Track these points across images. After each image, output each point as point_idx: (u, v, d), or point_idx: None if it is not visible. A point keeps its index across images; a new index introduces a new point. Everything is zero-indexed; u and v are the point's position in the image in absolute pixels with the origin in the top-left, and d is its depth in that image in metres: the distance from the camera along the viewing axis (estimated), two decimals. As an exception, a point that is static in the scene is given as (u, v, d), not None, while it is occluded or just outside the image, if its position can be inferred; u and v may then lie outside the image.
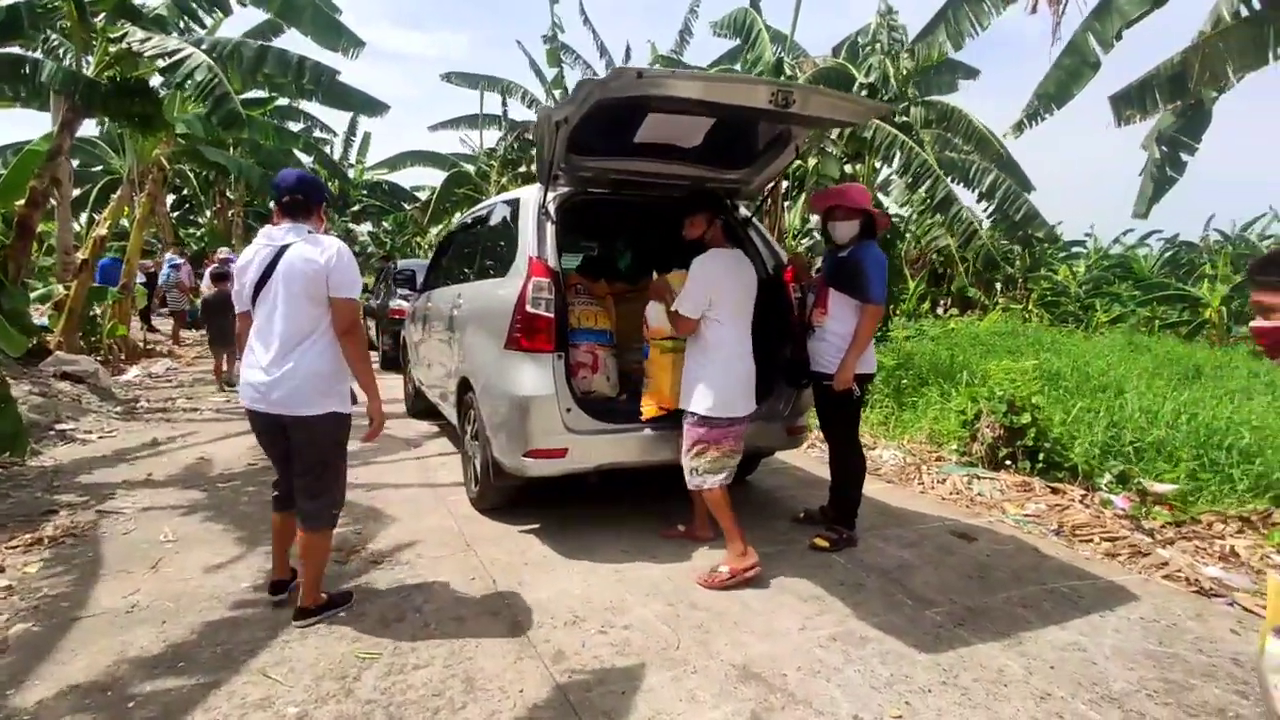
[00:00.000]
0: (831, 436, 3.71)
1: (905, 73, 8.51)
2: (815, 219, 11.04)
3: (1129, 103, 5.69)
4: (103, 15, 6.96)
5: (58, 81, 6.69)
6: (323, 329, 2.62)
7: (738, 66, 11.27)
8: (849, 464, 3.64)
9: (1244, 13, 5.03)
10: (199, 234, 22.89)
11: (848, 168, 9.83)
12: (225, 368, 8.19)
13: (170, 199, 19.33)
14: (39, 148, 6.96)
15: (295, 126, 16.16)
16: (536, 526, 3.80)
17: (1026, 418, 4.98)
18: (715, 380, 3.07)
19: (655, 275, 3.45)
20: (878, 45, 9.22)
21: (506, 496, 3.95)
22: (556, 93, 17.52)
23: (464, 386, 4.09)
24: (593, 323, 3.89)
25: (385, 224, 27.78)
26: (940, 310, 15.73)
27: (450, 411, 4.66)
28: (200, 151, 10.42)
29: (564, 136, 3.23)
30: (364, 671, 2.41)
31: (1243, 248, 19.49)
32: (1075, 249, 22.22)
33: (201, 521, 3.89)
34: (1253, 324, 1.61)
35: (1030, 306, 16.83)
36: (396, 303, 8.96)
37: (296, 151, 13.40)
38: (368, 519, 3.97)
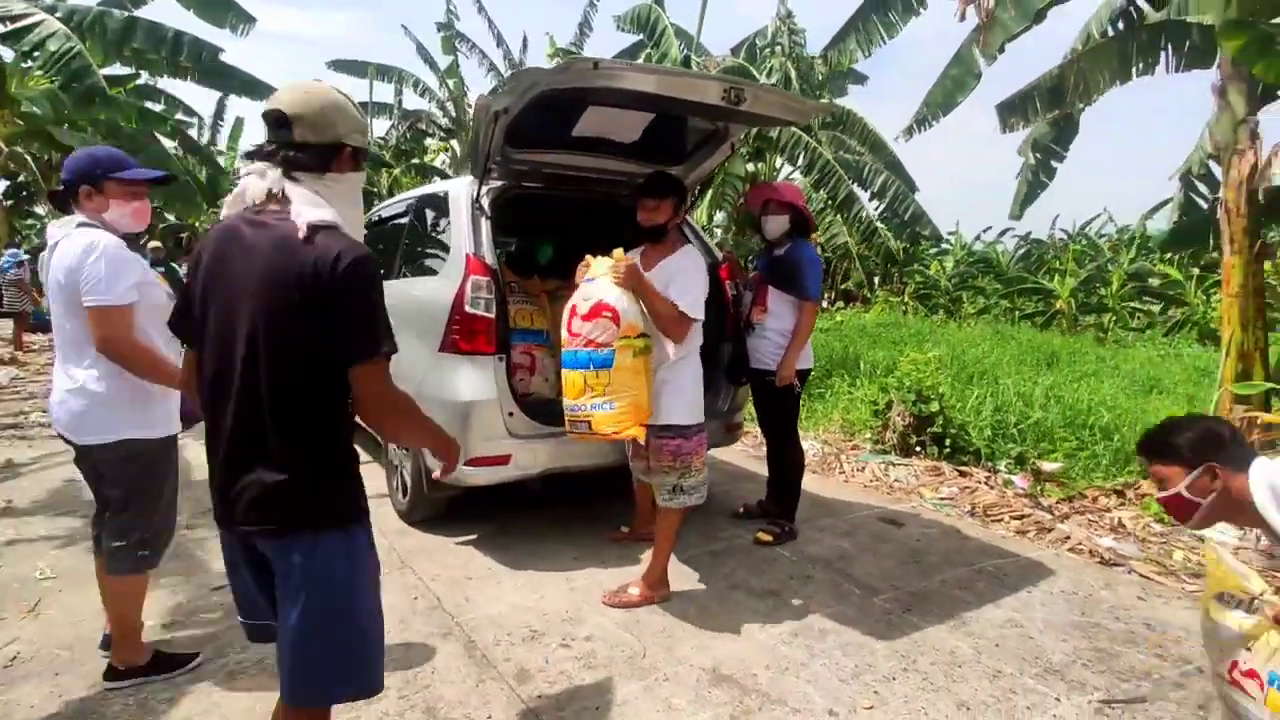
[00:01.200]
0: (770, 432, 3.78)
1: (821, 76, 8.82)
2: (721, 216, 11.27)
3: (1013, 111, 6.17)
4: (-79, -30, 5.97)
5: None
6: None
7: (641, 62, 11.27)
8: (788, 458, 3.72)
9: (1110, 32, 5.56)
10: (38, 226, 20.37)
11: (750, 165, 10.10)
12: None
13: (2, 185, 17.04)
14: None
15: (155, 107, 14.66)
16: (474, 538, 3.62)
17: (934, 406, 5.30)
18: (693, 385, 2.91)
19: (590, 258, 2.92)
20: (778, 47, 9.50)
21: (440, 508, 3.74)
22: (451, 82, 16.89)
23: (388, 392, 3.82)
24: (529, 322, 3.76)
25: (261, 215, 25.80)
26: (825, 303, 16.56)
27: (368, 419, 4.36)
28: (49, 133, 9.20)
29: (502, 127, 3.08)
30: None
31: (1085, 244, 21.69)
32: (944, 245, 24.03)
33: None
34: (1157, 495, 1.80)
35: (907, 299, 18.06)
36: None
37: (161, 136, 12.12)
38: (282, 539, 3.64)
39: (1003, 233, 25.76)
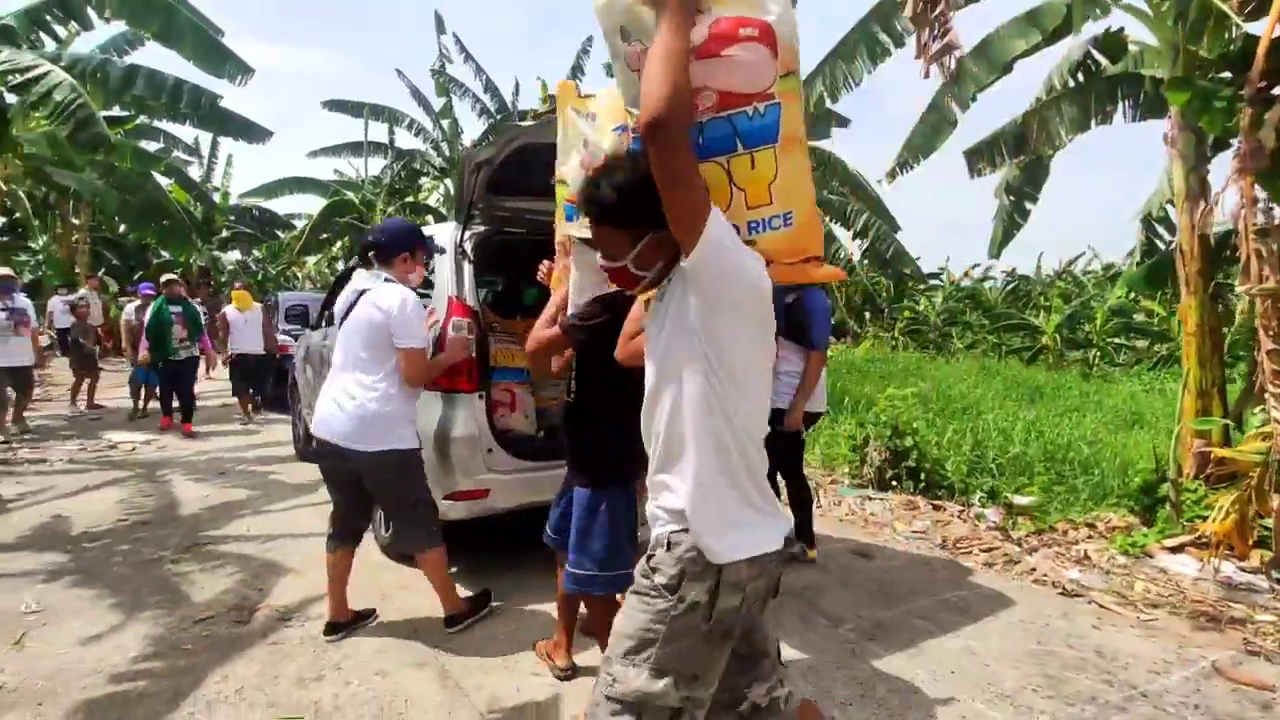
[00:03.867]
0: (777, 469, 3.89)
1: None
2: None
3: (980, 156, 6.44)
4: (-65, 23, 6.24)
5: (-125, 93, 5.90)
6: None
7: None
8: (798, 495, 3.86)
9: (1070, 83, 5.86)
10: (32, 262, 20.54)
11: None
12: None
13: (-1, 222, 17.31)
14: None
15: (152, 146, 14.99)
16: (453, 570, 3.70)
17: (909, 441, 5.44)
18: None
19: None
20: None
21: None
22: (445, 123, 17.31)
23: (373, 428, 3.95)
24: (510, 360, 3.89)
25: (256, 252, 26.11)
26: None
27: (354, 454, 4.46)
28: (47, 173, 9.43)
29: (484, 177, 3.26)
30: (286, 738, 2.28)
31: (1069, 282, 22.08)
32: (933, 282, 24.42)
33: (69, 588, 3.49)
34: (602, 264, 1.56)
35: (897, 335, 18.32)
36: (283, 339, 8.49)
37: (156, 175, 12.39)
38: (265, 574, 3.72)
39: (989, 269, 26.26)
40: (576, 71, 15.64)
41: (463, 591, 3.19)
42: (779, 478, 3.94)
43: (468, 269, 3.52)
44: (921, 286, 22.26)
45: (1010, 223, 6.95)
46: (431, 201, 18.77)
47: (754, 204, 1.37)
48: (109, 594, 3.41)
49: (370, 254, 2.90)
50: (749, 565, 1.32)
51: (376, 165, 19.76)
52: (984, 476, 5.43)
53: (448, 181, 18.34)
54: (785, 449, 3.82)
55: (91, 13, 6.89)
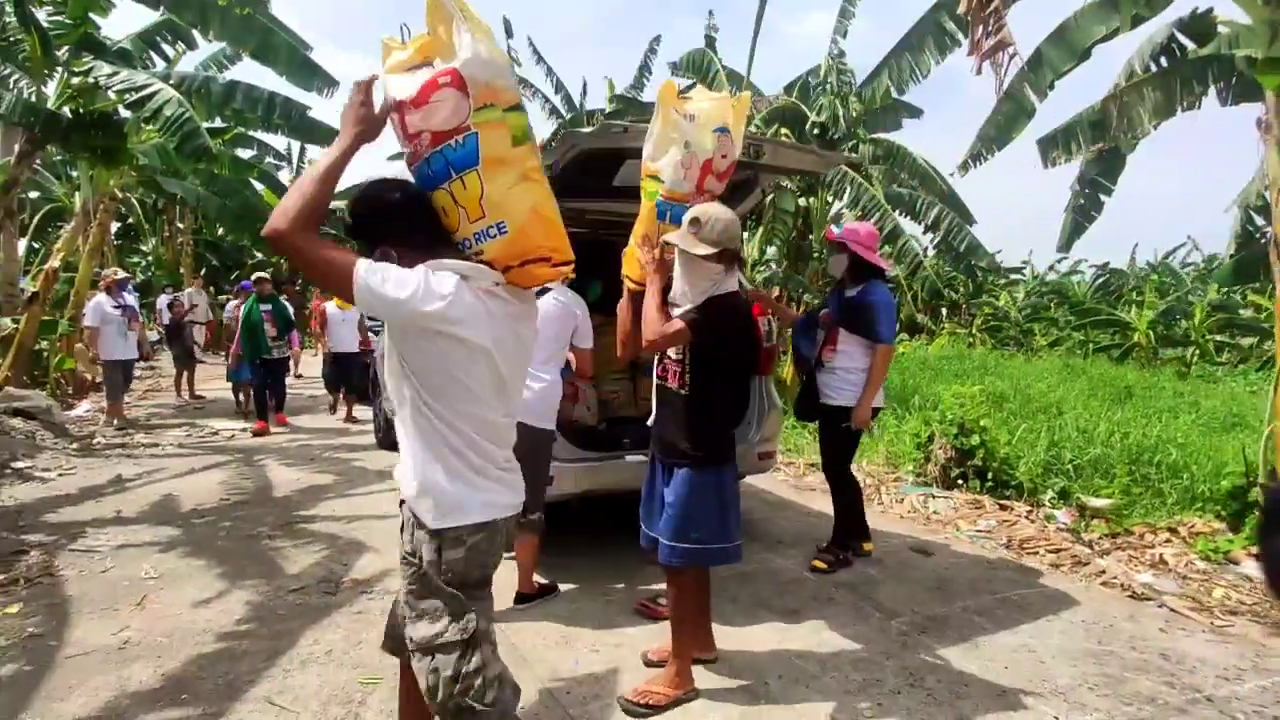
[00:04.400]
0: (827, 465, 3.92)
1: (855, 114, 9.03)
2: (772, 250, 11.47)
3: (1054, 146, 6.20)
4: (66, 49, 6.92)
5: (16, 113, 6.61)
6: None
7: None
8: (846, 491, 3.88)
9: (1153, 68, 5.58)
10: (143, 263, 22.26)
11: (802, 200, 10.30)
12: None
13: (114, 227, 18.84)
14: (-7, 179, 6.84)
15: (246, 153, 16.03)
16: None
17: (976, 439, 5.33)
18: None
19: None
20: (828, 86, 9.75)
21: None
22: (516, 124, 17.74)
23: (446, 418, 4.21)
24: (573, 355, 4.07)
25: (342, 251, 27.45)
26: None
27: (429, 442, 4.76)
28: (157, 181, 10.29)
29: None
30: (368, 696, 2.51)
31: (1166, 275, 20.78)
32: (1015, 276, 23.39)
33: (181, 557, 3.89)
34: None
35: (974, 331, 17.68)
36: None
37: (253, 180, 13.26)
38: (349, 551, 4.03)
39: (1078, 263, 24.95)
40: (644, 70, 15.75)
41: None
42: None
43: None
44: (1002, 281, 21.40)
45: (1083, 216, 6.65)
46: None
47: (473, 219, 1.58)
48: (215, 564, 3.79)
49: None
50: (471, 529, 1.59)
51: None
52: (1057, 477, 5.26)
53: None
54: (840, 445, 3.84)
55: (197, 34, 7.53)
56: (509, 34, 16.89)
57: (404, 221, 1.61)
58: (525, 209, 1.58)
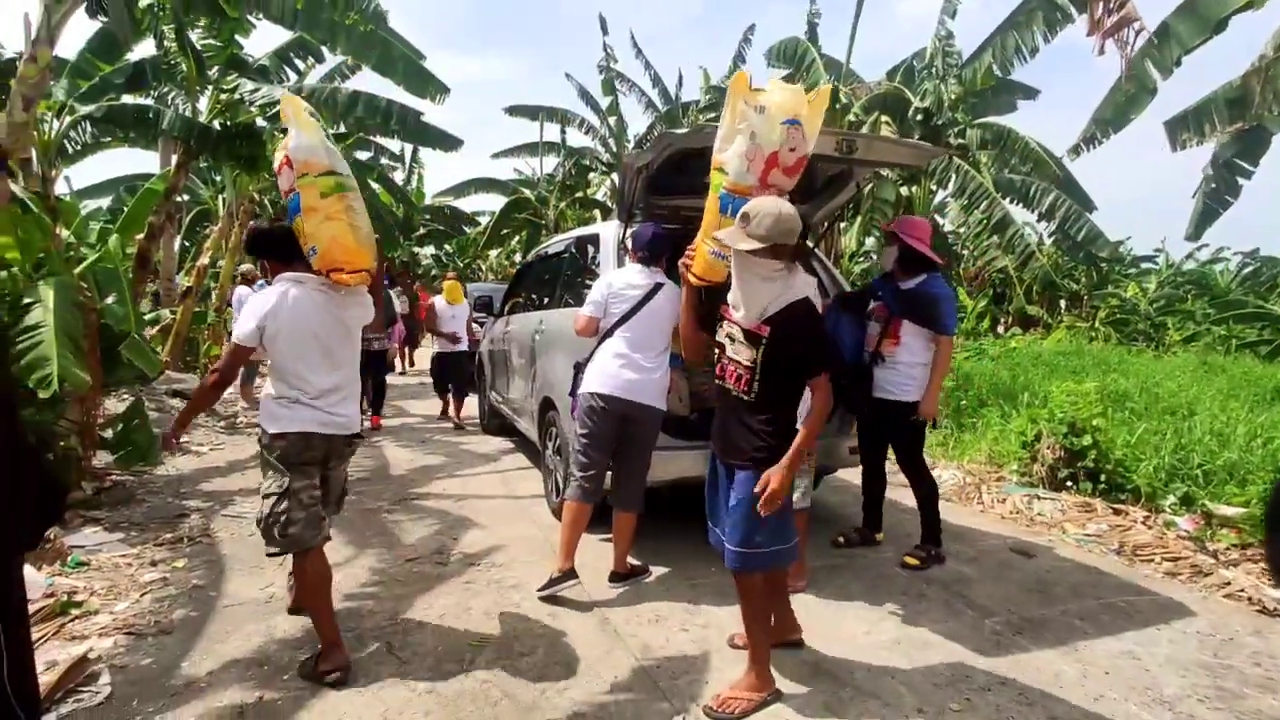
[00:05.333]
0: (901, 463, 3.86)
1: (955, 96, 8.65)
2: (871, 241, 11.18)
3: (1184, 127, 5.75)
4: (215, 68, 7.72)
5: (176, 128, 7.44)
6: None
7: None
8: (922, 487, 3.81)
9: (1308, 37, 5.07)
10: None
11: (904, 189, 9.97)
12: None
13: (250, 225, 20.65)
14: (156, 186, 7.72)
15: (364, 155, 17.19)
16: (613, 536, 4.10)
17: (1088, 440, 5.06)
18: None
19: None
20: (933, 70, 9.38)
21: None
22: (611, 120, 18.10)
23: (546, 406, 4.45)
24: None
25: (448, 247, 28.88)
26: (1001, 329, 15.51)
27: (530, 428, 5.03)
28: (287, 185, 11.27)
29: (644, 180, 3.58)
30: (477, 656, 2.76)
31: (1328, 262, 18.56)
32: (1145, 265, 21.53)
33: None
34: None
35: (1097, 325, 16.46)
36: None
37: (371, 182, 14.21)
38: (458, 526, 4.35)
39: (1220, 250, 22.66)
40: (739, 60, 15.66)
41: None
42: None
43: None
44: (1131, 271, 19.77)
45: (1215, 200, 6.12)
46: (599, 196, 19.74)
47: (305, 243, 2.60)
48: (342, 534, 4.18)
49: (643, 254, 3.49)
50: (296, 435, 2.60)
51: (550, 164, 21.13)
52: (1181, 483, 4.91)
53: (614, 176, 19.19)
54: (908, 439, 3.77)
55: (325, 49, 8.19)
56: (604, 30, 17.23)
57: (279, 246, 2.74)
58: (327, 238, 2.55)
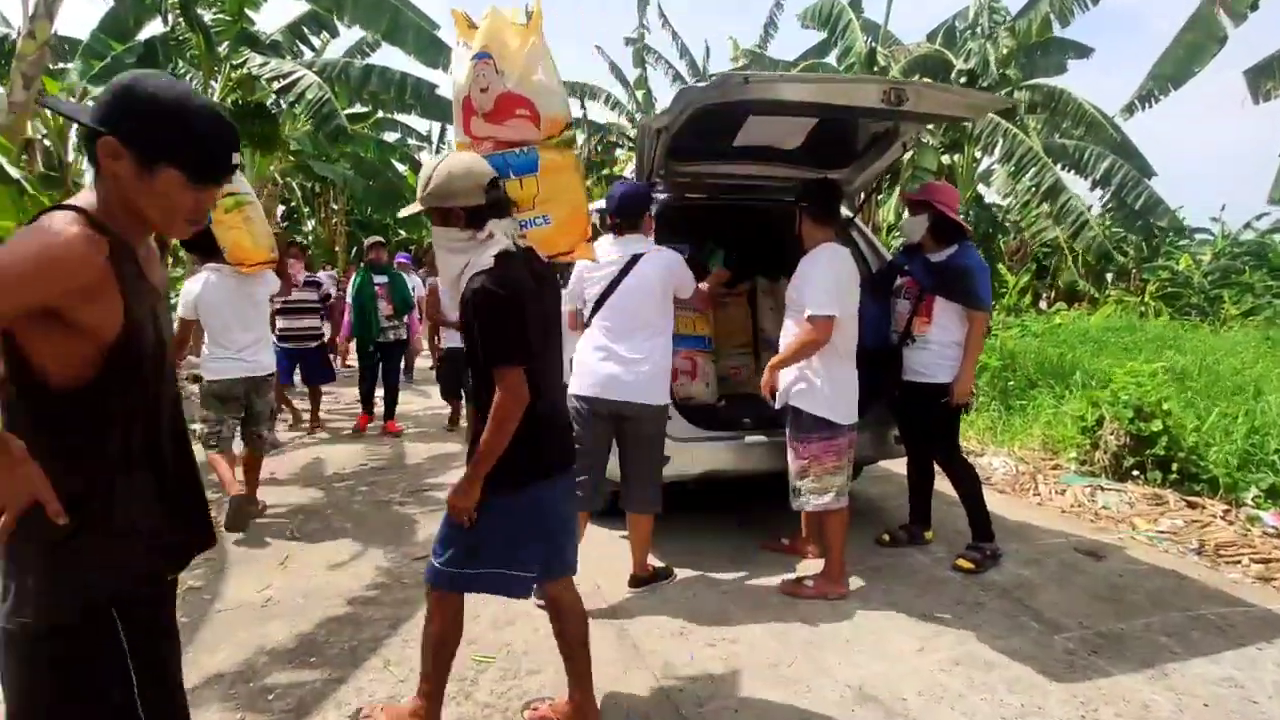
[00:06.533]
0: (936, 450, 3.51)
1: (1006, 53, 8.05)
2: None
3: (1269, 76, 5.16)
4: (226, 44, 7.50)
5: (188, 108, 7.25)
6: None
7: (830, 59, 10.98)
8: (962, 477, 3.44)
9: None
10: (305, 242, 24.38)
11: (945, 158, 9.42)
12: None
13: (279, 210, 20.70)
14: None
15: (391, 136, 17.00)
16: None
17: (1157, 425, 4.60)
18: (825, 383, 2.93)
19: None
20: (978, 29, 8.77)
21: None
22: (639, 94, 17.61)
23: (563, 392, 4.16)
24: (691, 329, 3.86)
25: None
26: (1044, 304, 14.81)
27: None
28: (310, 166, 11.10)
29: (664, 144, 3.22)
30: (480, 675, 2.49)
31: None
32: (1199, 236, 20.42)
33: (321, 520, 4.12)
34: None
35: (1148, 299, 15.63)
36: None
37: (395, 162, 14.03)
38: (472, 521, 4.09)
39: (1280, 219, 21.35)
40: (769, 27, 15.02)
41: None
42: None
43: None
44: (1183, 241, 18.75)
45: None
46: (627, 173, 19.29)
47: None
48: (350, 528, 3.97)
49: (617, 221, 2.97)
50: (228, 380, 3.77)
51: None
52: (1261, 471, 4.45)
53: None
54: (944, 426, 3.41)
55: (337, 23, 7.92)
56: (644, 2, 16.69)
57: (198, 246, 3.70)
58: (230, 242, 3.63)
